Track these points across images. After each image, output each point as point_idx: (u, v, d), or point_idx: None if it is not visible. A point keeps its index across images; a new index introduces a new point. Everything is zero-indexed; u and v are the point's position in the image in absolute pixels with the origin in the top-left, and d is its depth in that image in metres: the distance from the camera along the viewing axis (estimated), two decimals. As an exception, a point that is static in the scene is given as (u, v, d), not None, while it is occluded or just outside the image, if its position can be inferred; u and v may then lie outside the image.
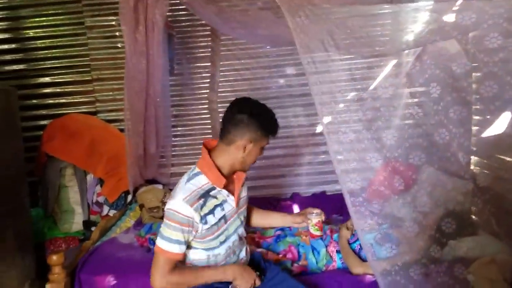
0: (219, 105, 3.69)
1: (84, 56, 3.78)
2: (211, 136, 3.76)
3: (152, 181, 3.48)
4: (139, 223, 2.97)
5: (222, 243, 1.81)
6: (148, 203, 3.08)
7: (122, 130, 3.68)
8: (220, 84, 3.68)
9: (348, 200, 1.74)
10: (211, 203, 1.74)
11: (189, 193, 1.70)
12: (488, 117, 1.94)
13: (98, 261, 2.32)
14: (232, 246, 1.86)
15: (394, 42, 1.94)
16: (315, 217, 2.05)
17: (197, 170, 1.77)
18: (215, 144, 1.84)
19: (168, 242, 1.68)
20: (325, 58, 1.75)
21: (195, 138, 3.81)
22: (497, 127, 1.85)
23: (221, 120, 1.82)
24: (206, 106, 3.73)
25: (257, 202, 3.03)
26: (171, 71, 3.58)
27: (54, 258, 2.10)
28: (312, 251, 2.36)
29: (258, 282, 1.82)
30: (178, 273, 1.72)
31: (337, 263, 2.34)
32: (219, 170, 1.77)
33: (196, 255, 1.80)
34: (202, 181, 1.75)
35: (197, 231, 1.72)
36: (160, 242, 1.70)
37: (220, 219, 1.77)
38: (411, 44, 1.92)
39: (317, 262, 2.34)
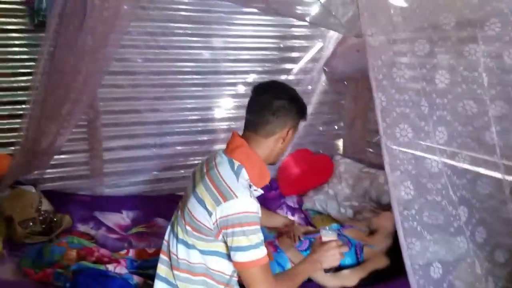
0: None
1: None
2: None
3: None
4: (12, 245, 2.06)
5: None
6: (20, 214, 2.16)
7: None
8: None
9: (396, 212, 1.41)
10: None
11: (247, 188, 1.44)
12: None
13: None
14: None
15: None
16: (330, 235, 1.71)
17: (237, 163, 1.48)
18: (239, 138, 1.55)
19: (253, 250, 1.40)
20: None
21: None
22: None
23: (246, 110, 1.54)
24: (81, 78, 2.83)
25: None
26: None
27: None
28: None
29: (344, 249, 1.63)
30: (280, 278, 1.53)
31: None
32: None
33: (219, 265, 1.50)
34: (246, 176, 1.48)
35: None
36: (243, 256, 1.40)
37: None
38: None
39: None
